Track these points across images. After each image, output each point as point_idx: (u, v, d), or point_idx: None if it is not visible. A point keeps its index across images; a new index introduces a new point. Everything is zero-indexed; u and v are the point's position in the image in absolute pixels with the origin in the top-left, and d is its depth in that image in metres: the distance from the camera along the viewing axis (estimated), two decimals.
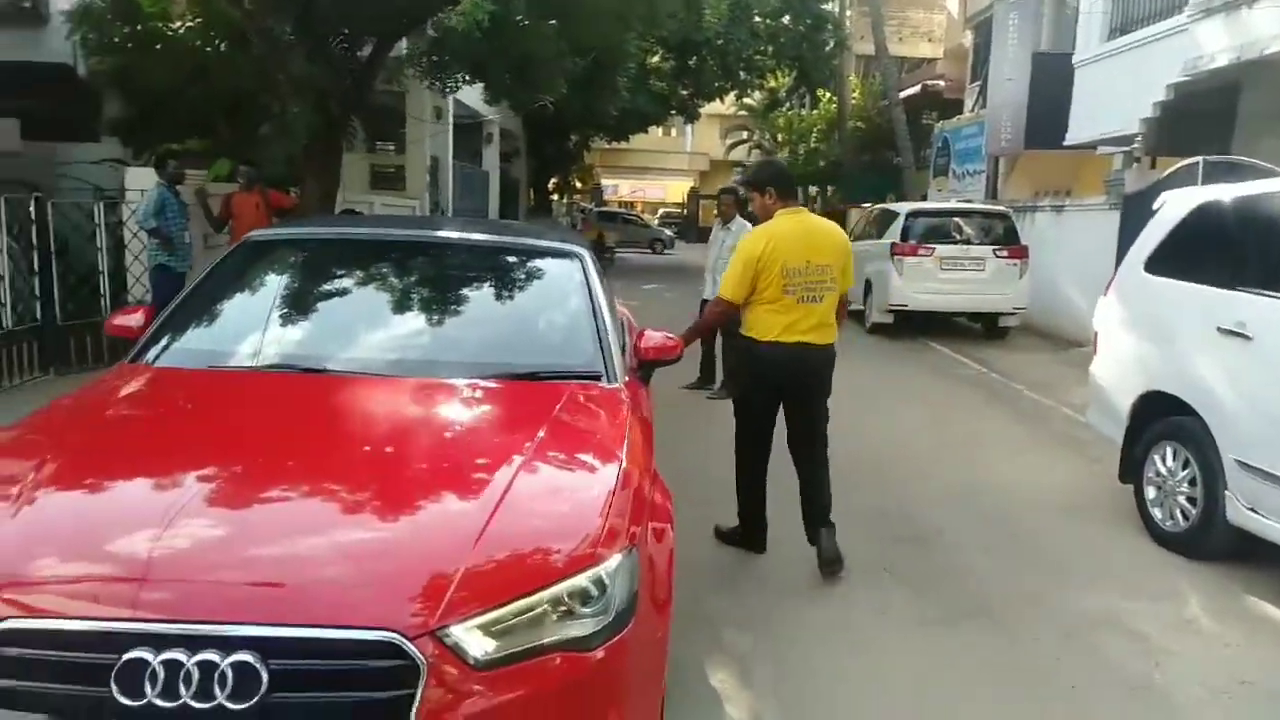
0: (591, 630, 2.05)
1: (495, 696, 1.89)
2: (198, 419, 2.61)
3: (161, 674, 1.77)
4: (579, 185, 33.73)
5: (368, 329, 3.09)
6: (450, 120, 16.92)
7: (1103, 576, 4.40)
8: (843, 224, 15.40)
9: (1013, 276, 11.97)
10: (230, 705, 1.76)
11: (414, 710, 1.82)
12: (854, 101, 27.72)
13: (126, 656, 1.77)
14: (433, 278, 3.37)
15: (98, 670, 1.77)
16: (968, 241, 12.22)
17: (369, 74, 9.41)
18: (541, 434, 2.54)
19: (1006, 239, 12.17)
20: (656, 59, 21.32)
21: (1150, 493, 4.86)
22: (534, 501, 2.26)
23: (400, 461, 2.42)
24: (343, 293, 3.30)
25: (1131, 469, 5.01)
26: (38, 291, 6.68)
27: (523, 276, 3.49)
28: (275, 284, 3.30)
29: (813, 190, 32.85)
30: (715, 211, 8.45)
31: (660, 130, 41.62)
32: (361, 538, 2.05)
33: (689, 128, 42.99)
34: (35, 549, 1.95)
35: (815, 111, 30.65)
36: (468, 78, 9.70)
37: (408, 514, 2.16)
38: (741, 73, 22.90)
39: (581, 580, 2.08)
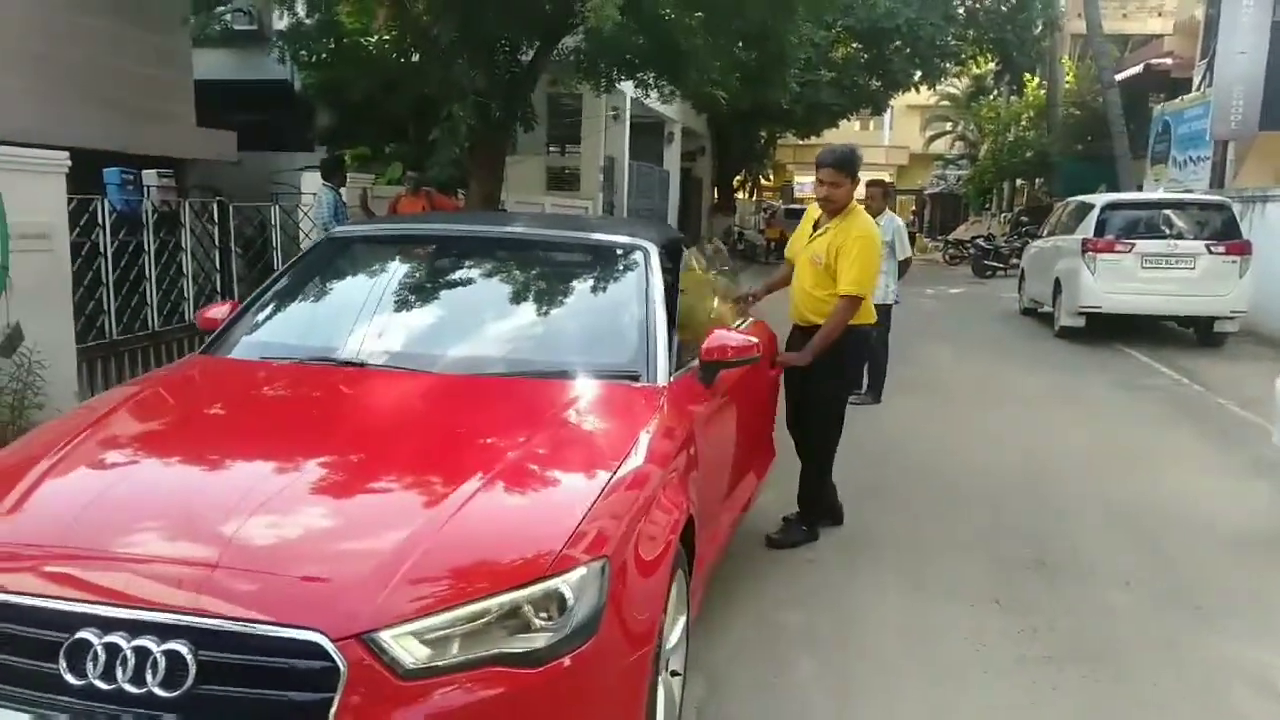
0: (540, 646, 1.94)
1: (421, 709, 1.81)
2: (219, 409, 2.72)
3: (103, 656, 1.82)
4: (767, 183, 33.26)
5: (410, 324, 3.12)
6: (627, 121, 17.14)
7: (1263, 626, 3.76)
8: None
9: (1230, 275, 10.57)
10: (159, 693, 1.79)
11: (330, 716, 1.77)
12: (1067, 85, 25.66)
13: (76, 636, 1.84)
14: (488, 274, 3.36)
15: (52, 648, 1.85)
16: (1176, 236, 10.94)
17: (529, 77, 9.65)
18: (541, 435, 2.45)
19: (1224, 233, 10.77)
20: (841, 50, 20.58)
21: None
22: (504, 505, 2.18)
23: (381, 457, 2.40)
24: (398, 288, 3.34)
25: None
26: (218, 289, 7.33)
27: (578, 273, 3.41)
28: (338, 280, 3.41)
29: (1018, 183, 30.76)
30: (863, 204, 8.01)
31: (857, 124, 40.37)
32: (313, 533, 2.04)
33: (887, 120, 41.39)
34: (20, 526, 2.07)
35: (1020, 99, 28.63)
36: (622, 76, 9.72)
37: (367, 511, 2.13)
38: (936, 60, 21.68)
39: (534, 591, 1.96)
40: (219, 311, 3.38)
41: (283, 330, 3.16)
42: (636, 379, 2.91)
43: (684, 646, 2.75)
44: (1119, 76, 21.57)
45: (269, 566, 1.94)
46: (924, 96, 31.36)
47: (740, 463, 3.81)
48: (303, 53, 13.63)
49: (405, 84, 12.44)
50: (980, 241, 22.97)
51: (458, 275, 3.39)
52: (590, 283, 3.38)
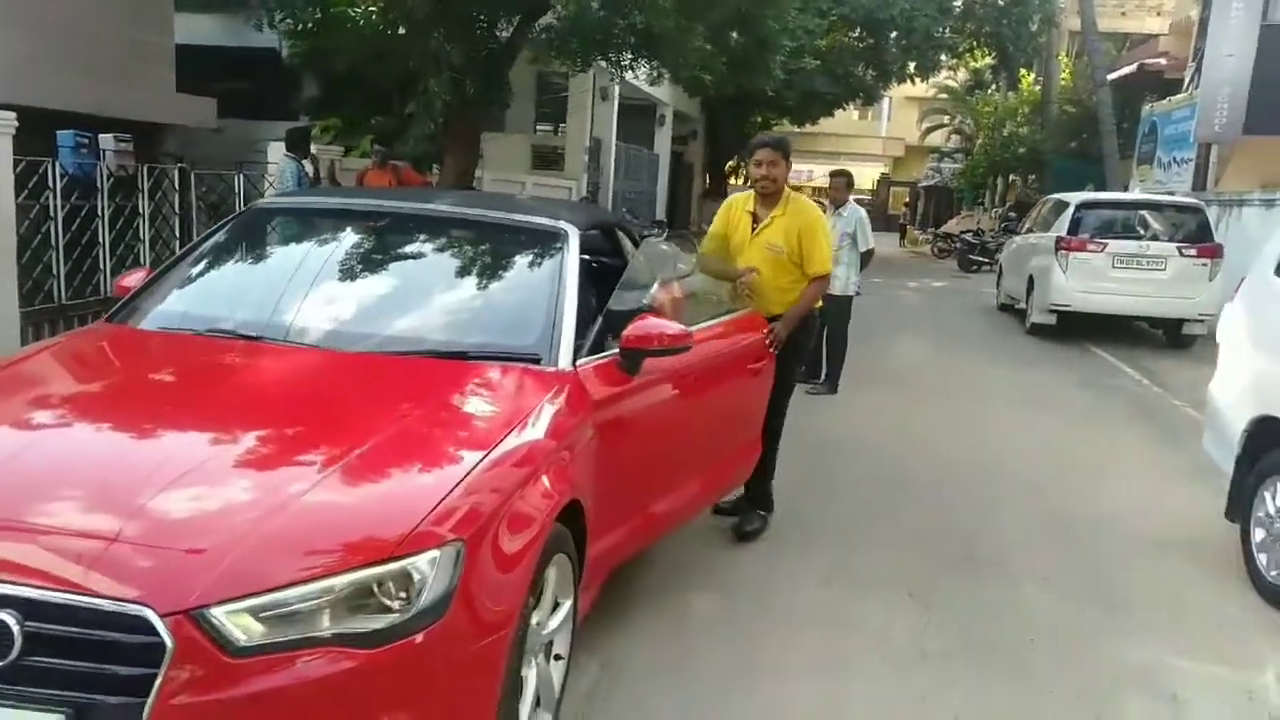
0: (382, 626, 1.94)
1: (250, 686, 1.81)
2: (103, 380, 2.71)
3: None
4: (831, 170, 33.13)
5: (315, 300, 3.08)
6: (615, 101, 17.05)
7: (1173, 627, 3.78)
8: None
9: (1200, 278, 10.57)
10: None
11: (153, 691, 1.77)
12: (1063, 82, 25.58)
13: None
14: (403, 251, 3.34)
15: None
16: (1150, 237, 10.94)
17: (507, 54, 9.59)
18: (418, 414, 2.45)
19: (1197, 236, 10.77)
20: (833, 39, 20.43)
21: (1258, 535, 4.12)
22: (364, 482, 2.17)
23: (249, 432, 2.39)
24: (310, 263, 3.30)
25: (1240, 506, 4.28)
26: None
27: (493, 253, 3.38)
28: (253, 252, 3.39)
29: (1011, 179, 30.68)
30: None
31: (855, 113, 40.22)
32: (162, 506, 2.02)
33: (885, 111, 41.26)
34: None
35: (1014, 94, 28.52)
36: (596, 56, 9.67)
37: (222, 484, 2.12)
38: (931, 52, 21.57)
39: (381, 571, 1.97)
40: (133, 279, 3.36)
41: (188, 301, 3.13)
42: (537, 362, 2.89)
43: (569, 630, 2.75)
44: (1114, 75, 21.49)
45: (107, 537, 1.93)
46: (922, 89, 31.20)
47: (698, 455, 3.70)
48: (288, 20, 13.54)
49: (389, 56, 12.36)
50: (967, 236, 22.96)
51: (373, 252, 3.36)
52: (503, 263, 3.36)
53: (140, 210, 6.80)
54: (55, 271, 6.14)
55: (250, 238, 3.47)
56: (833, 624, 3.63)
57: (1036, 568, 4.30)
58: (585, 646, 3.08)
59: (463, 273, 3.32)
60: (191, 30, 13.63)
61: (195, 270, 3.29)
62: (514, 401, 2.65)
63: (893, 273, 20.68)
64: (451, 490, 2.15)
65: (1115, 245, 10.73)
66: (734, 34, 11.03)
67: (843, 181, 7.46)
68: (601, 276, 4.43)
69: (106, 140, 6.75)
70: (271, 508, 2.01)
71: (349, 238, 3.42)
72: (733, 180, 29.29)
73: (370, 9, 13.51)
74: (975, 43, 23.00)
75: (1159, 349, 10.96)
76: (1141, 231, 11.04)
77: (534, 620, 2.47)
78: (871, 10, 19.69)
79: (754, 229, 4.33)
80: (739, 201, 4.47)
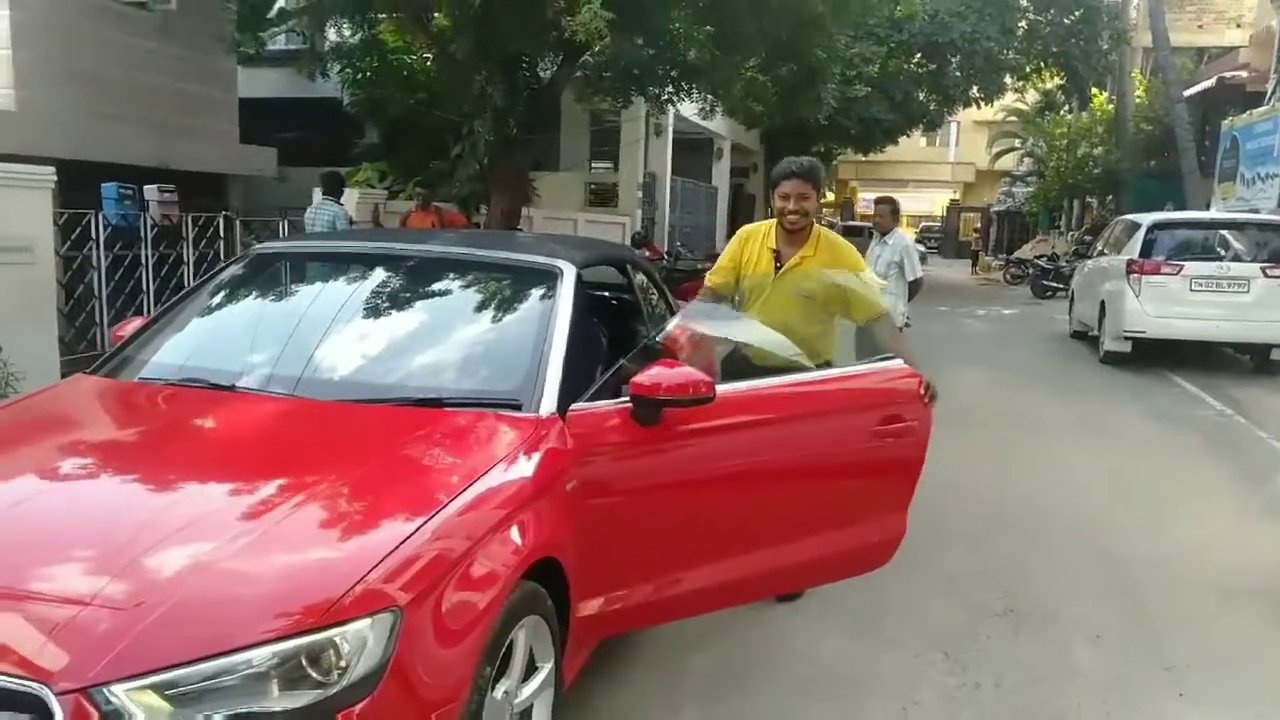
0: (301, 705, 1.79)
1: None
2: (55, 434, 2.65)
3: None
4: (827, 200, 32.74)
5: (293, 347, 2.98)
6: (670, 136, 17.03)
7: (1241, 693, 3.40)
8: None
9: None
10: None
11: None
12: (1138, 100, 24.70)
13: None
14: (391, 294, 3.22)
15: None
16: (1231, 258, 10.33)
17: (549, 93, 9.61)
18: (372, 466, 2.31)
19: None
20: (890, 65, 20.09)
21: None
22: (291, 545, 2.03)
23: (190, 488, 2.29)
24: (295, 309, 3.25)
25: None
26: None
27: (485, 293, 3.25)
28: (244, 298, 3.33)
29: (1089, 201, 29.70)
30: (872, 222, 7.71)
31: (922, 140, 39.61)
32: (76, 567, 1.92)
33: (953, 136, 40.53)
34: None
35: (1085, 115, 27.65)
36: (634, 91, 9.63)
37: (142, 546, 1.99)
38: (995, 75, 21.04)
39: (304, 643, 1.82)
40: (130, 328, 3.33)
41: (169, 350, 3.07)
42: (518, 409, 2.74)
43: (550, 695, 2.57)
44: (1191, 90, 20.66)
45: (25, 599, 1.83)
46: (991, 112, 30.59)
47: (771, 528, 3.15)
48: (347, 70, 13.96)
49: (440, 101, 12.58)
50: (1041, 261, 22.20)
51: (360, 296, 3.25)
52: (492, 305, 3.23)
53: (184, 258, 6.93)
54: (99, 319, 6.28)
55: (243, 284, 3.42)
56: (853, 683, 3.35)
57: (1088, 621, 3.95)
58: (575, 705, 2.89)
59: (449, 315, 3.20)
60: (261, 82, 14.10)
61: (180, 319, 3.24)
62: (478, 452, 2.49)
63: (961, 300, 20.12)
64: (391, 552, 2.00)
65: (1193, 267, 10.15)
66: (782, 65, 10.88)
67: (888, 208, 7.19)
68: (617, 315, 4.30)
69: (151, 191, 6.93)
70: (190, 573, 1.89)
71: (338, 282, 3.35)
72: None
73: (424, 55, 13.84)
74: (1042, 64, 22.40)
75: (1245, 376, 10.29)
76: (1221, 252, 10.43)
77: (500, 690, 2.29)
78: (931, 35, 19.36)
79: (778, 268, 3.80)
80: (757, 234, 3.90)
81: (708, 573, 3.10)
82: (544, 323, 3.01)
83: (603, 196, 16.72)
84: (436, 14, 9.24)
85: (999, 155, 37.59)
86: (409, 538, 2.06)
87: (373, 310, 3.15)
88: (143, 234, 6.46)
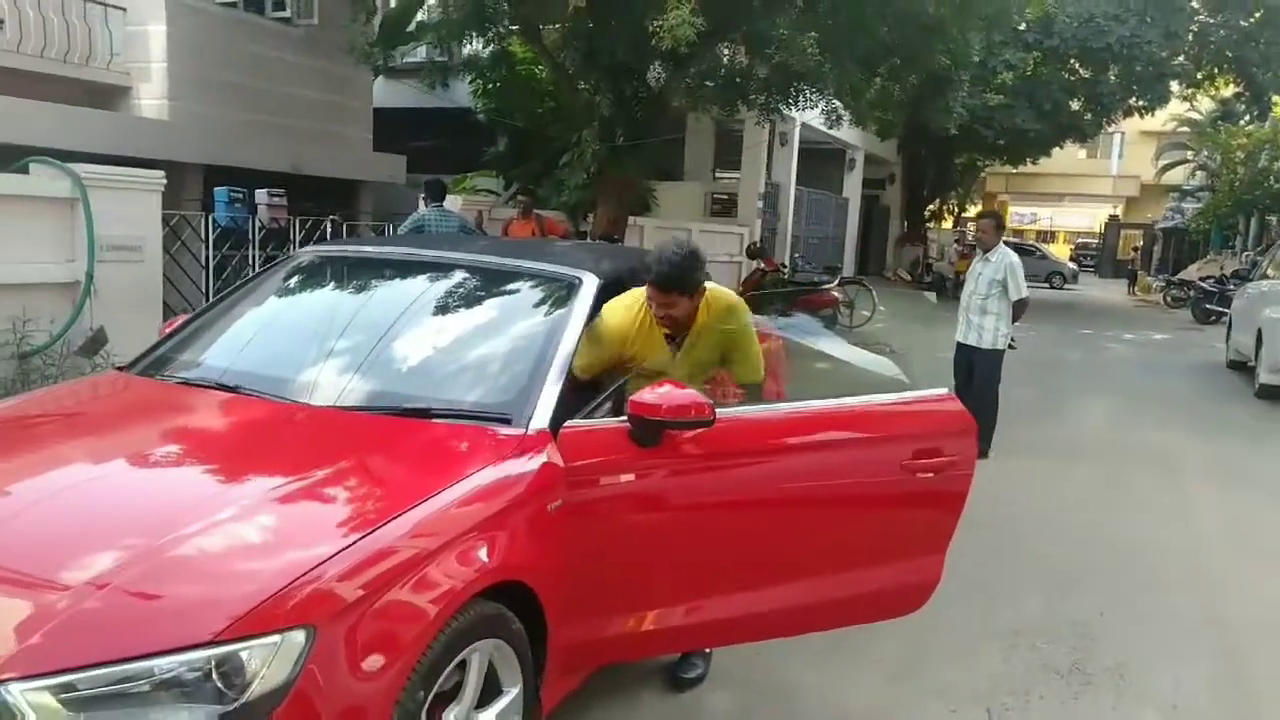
0: (200, 719, 1.76)
1: None
2: (59, 424, 2.75)
3: None
4: (969, 212, 31.37)
5: (298, 352, 3.02)
6: (795, 146, 16.70)
7: None
8: None
9: None
10: None
11: None
12: None
13: None
14: (406, 301, 3.18)
15: None
16: None
17: (657, 103, 9.56)
18: (325, 475, 2.28)
19: None
20: (1013, 74, 18.95)
21: None
22: (216, 553, 2.00)
23: (144, 487, 2.31)
24: (312, 315, 3.28)
25: None
26: None
27: (500, 303, 3.19)
28: (273, 301, 3.38)
29: (1269, 219, 27.21)
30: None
31: (1082, 152, 37.39)
32: (10, 561, 1.95)
33: (1115, 148, 38.04)
34: None
35: (1267, 125, 25.33)
36: (738, 100, 9.43)
37: (73, 545, 2.02)
38: (1157, 83, 19.56)
39: (205, 655, 1.78)
40: (173, 326, 3.46)
41: (192, 349, 3.16)
42: (508, 422, 2.66)
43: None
44: None
45: None
46: (1159, 122, 28.51)
47: (791, 561, 2.95)
48: (477, 81, 14.43)
49: (560, 111, 12.81)
50: (1205, 283, 20.47)
51: (379, 302, 3.27)
52: (504, 314, 3.17)
53: None
54: None
55: (277, 287, 3.48)
56: None
57: (1167, 690, 3.52)
58: None
59: (458, 323, 3.15)
60: (394, 93, 14.75)
61: (208, 320, 3.33)
62: (445, 467, 2.41)
63: (1109, 323, 18.82)
64: (316, 566, 1.95)
65: None
66: (909, 72, 10.44)
67: (991, 223, 6.73)
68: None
69: (260, 195, 7.29)
70: (109, 575, 1.89)
71: (361, 288, 3.38)
72: (932, 225, 27.91)
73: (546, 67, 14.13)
74: (1215, 70, 20.68)
75: None
76: None
77: (449, 715, 2.22)
78: (1085, 40, 18.20)
79: (675, 347, 3.15)
80: (638, 308, 3.08)
81: (712, 606, 2.93)
82: (550, 335, 2.93)
83: (727, 206, 16.56)
84: (548, 27, 9.37)
85: (1167, 168, 34.98)
86: (340, 552, 2.01)
87: (385, 316, 3.13)
88: (250, 235, 6.80)
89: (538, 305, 3.14)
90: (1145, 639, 3.95)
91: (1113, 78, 19.27)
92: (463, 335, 3.10)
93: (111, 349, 5.35)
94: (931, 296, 15.51)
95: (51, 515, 2.20)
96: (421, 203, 8.48)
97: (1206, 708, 3.42)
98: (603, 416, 2.85)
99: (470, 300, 3.22)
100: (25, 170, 5.41)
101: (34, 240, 5.26)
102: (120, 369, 3.17)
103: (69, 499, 2.28)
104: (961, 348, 6.85)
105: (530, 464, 2.53)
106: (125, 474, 2.44)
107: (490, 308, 3.22)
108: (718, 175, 18.08)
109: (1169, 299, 23.50)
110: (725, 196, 16.43)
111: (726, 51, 8.22)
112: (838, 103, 9.88)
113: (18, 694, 1.71)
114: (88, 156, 6.23)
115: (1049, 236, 47.58)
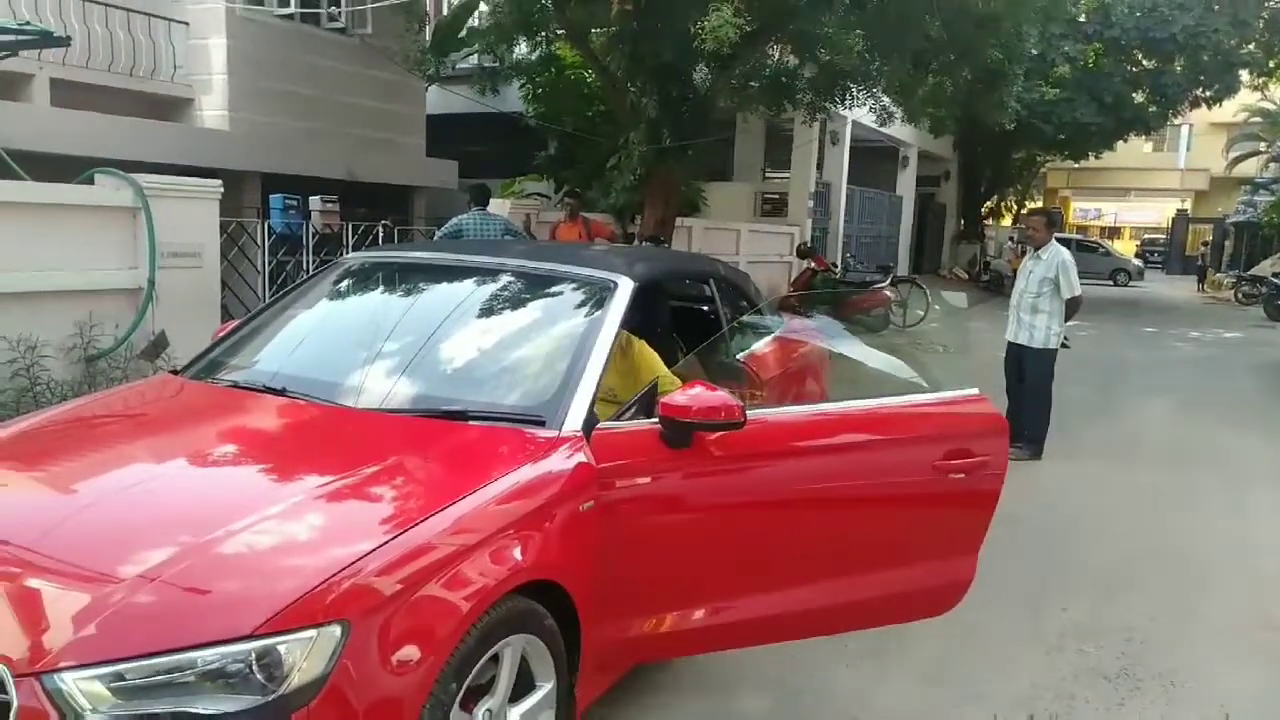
0: (239, 709, 1.83)
1: None
2: (109, 426, 2.87)
3: None
4: (1029, 208, 30.67)
5: (340, 356, 3.11)
6: (846, 144, 16.54)
7: None
8: None
9: None
10: None
11: None
12: None
13: None
14: (449, 305, 3.25)
15: None
16: None
17: (703, 104, 9.56)
18: (357, 476, 2.35)
19: None
20: (1086, 64, 18.49)
21: None
22: (258, 551, 2.08)
23: (187, 489, 2.40)
24: (354, 320, 3.37)
25: None
26: None
27: (537, 306, 3.24)
28: (319, 306, 3.48)
29: None
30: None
31: (1148, 145, 36.35)
32: (68, 555, 2.05)
33: (1183, 140, 36.89)
34: None
35: None
36: (784, 100, 9.36)
37: (130, 537, 2.12)
38: (1226, 73, 18.94)
39: (245, 649, 1.86)
40: (222, 332, 3.59)
41: (242, 354, 3.27)
42: (543, 424, 2.71)
43: (548, 716, 2.51)
44: None
45: (15, 585, 1.98)
46: (1229, 112, 27.61)
47: (823, 560, 2.98)
48: (527, 85, 14.60)
49: (608, 114, 12.88)
50: (1278, 279, 19.78)
51: (418, 306, 3.35)
52: (540, 317, 3.22)
53: None
54: None
55: (323, 293, 3.58)
56: None
57: (1220, 696, 3.42)
58: None
59: (494, 327, 3.20)
60: (446, 99, 14.98)
61: (260, 325, 3.45)
62: (482, 467, 2.46)
63: (1175, 321, 18.30)
64: (353, 563, 2.02)
65: None
66: (962, 68, 10.28)
67: (1042, 220, 6.60)
68: (696, 330, 4.20)
69: (314, 201, 7.48)
70: (158, 570, 1.98)
71: (400, 293, 3.45)
72: (990, 222, 27.36)
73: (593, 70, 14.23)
74: None
75: None
76: None
77: (481, 708, 2.28)
78: (1147, 30, 17.72)
79: None
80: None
81: (745, 605, 2.95)
82: (585, 338, 2.97)
83: (777, 206, 16.47)
84: (594, 30, 9.43)
85: (1238, 160, 33.83)
86: (375, 550, 2.07)
87: (424, 321, 3.21)
88: (304, 241, 6.98)
89: (573, 309, 3.18)
90: (1199, 645, 3.86)
91: (1178, 68, 18.71)
92: (499, 339, 3.16)
93: (172, 352, 5.54)
94: (960, 300, 15.17)
95: (108, 512, 2.30)
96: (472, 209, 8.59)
97: (1260, 716, 3.33)
98: (633, 419, 2.88)
99: (507, 304, 3.28)
100: (90, 181, 5.63)
101: (99, 248, 5.47)
102: (175, 372, 3.30)
103: (125, 497, 2.38)
104: (1012, 347, 6.74)
105: (563, 465, 2.58)
106: (176, 473, 2.55)
107: (527, 311, 3.27)
108: (768, 175, 17.99)
109: (1240, 295, 22.77)
110: (775, 196, 16.33)
111: (772, 51, 8.18)
112: (887, 100, 9.78)
113: (71, 682, 1.81)
114: (153, 167, 6.47)
115: (1114, 233, 46.31)
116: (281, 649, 1.88)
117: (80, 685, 1.81)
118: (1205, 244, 34.37)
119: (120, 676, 1.82)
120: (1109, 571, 4.63)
